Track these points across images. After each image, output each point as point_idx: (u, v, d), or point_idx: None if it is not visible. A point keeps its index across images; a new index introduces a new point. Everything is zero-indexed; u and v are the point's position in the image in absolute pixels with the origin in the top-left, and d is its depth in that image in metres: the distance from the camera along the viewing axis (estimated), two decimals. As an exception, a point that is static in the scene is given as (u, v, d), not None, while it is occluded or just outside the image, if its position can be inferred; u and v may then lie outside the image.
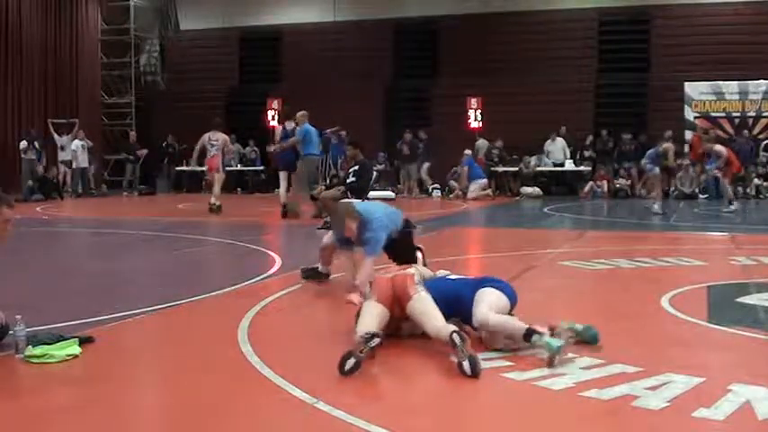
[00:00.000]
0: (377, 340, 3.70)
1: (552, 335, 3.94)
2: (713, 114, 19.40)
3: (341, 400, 3.22)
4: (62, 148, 19.40)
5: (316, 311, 5.50)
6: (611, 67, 20.35)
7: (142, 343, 4.62)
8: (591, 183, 18.82)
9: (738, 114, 19.22)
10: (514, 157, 20.04)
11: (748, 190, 17.84)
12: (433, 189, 19.89)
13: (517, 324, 4.04)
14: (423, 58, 22.04)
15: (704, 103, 19.45)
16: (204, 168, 21.40)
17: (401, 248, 5.62)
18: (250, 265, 5.62)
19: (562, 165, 19.63)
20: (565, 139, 19.81)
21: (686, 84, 19.39)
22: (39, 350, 3.85)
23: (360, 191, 10.59)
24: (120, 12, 23.29)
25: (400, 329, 4.29)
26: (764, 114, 19.05)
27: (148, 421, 3.27)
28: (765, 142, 18.90)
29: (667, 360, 3.88)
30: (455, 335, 3.72)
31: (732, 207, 13.38)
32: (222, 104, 22.93)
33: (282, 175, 13.49)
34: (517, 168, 19.77)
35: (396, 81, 22.08)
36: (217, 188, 14.48)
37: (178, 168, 22.23)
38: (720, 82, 19.28)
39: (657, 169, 13.41)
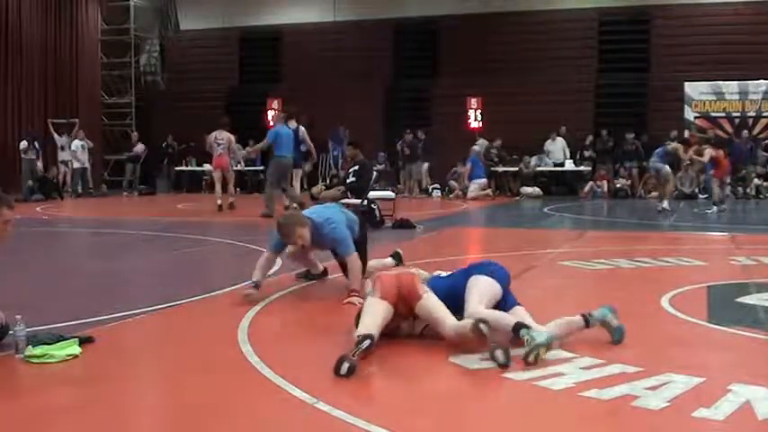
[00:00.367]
0: (368, 342, 3.66)
1: (587, 324, 4.09)
2: (713, 114, 19.41)
3: (341, 400, 3.22)
4: (62, 148, 19.40)
5: (316, 311, 5.50)
6: (611, 67, 20.36)
7: (142, 343, 4.62)
8: (591, 183, 18.83)
9: (738, 114, 19.23)
10: (514, 157, 20.05)
11: (748, 190, 17.84)
12: (433, 189, 19.91)
13: (507, 319, 4.07)
14: (423, 58, 22.05)
15: (704, 103, 19.46)
16: (204, 168, 21.60)
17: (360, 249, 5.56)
18: (250, 265, 5.60)
19: (562, 165, 19.64)
20: (565, 138, 19.82)
21: (686, 84, 19.40)
22: (39, 350, 3.85)
23: (360, 191, 10.65)
24: (120, 12, 23.30)
25: (400, 329, 4.29)
26: (764, 114, 19.06)
27: (148, 421, 3.27)
28: (765, 142, 18.90)
29: (667, 360, 3.88)
30: (482, 324, 3.77)
31: (714, 209, 13.37)
32: (222, 104, 22.92)
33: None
34: (517, 168, 19.77)
35: (396, 81, 22.08)
36: (230, 187, 14.86)
37: (178, 168, 22.25)
38: (720, 82, 19.29)
39: (668, 167, 13.43)
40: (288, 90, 21.79)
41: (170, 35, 24.61)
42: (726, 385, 3.39)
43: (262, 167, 20.99)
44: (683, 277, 6.49)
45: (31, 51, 20.05)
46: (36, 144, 18.42)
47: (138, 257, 8.68)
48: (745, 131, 18.64)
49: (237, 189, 21.15)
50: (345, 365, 3.55)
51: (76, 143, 19.07)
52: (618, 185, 18.93)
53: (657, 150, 13.74)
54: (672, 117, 19.05)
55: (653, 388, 3.38)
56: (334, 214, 5.55)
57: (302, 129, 13.25)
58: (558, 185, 19.91)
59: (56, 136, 19.55)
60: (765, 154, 18.61)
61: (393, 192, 13.08)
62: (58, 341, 3.98)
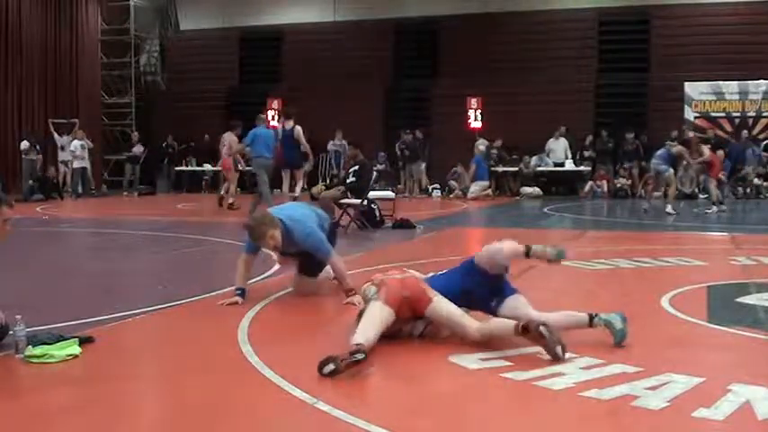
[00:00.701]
0: (359, 356, 3.59)
1: (591, 323, 4.22)
2: (713, 114, 19.40)
3: (341, 400, 3.22)
4: (62, 149, 19.40)
5: (316, 311, 5.50)
6: (611, 67, 20.35)
7: (142, 343, 4.62)
8: (590, 183, 18.83)
9: (738, 114, 19.22)
10: (514, 157, 20.05)
11: (748, 190, 17.84)
12: (433, 189, 19.91)
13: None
14: (423, 58, 22.03)
15: (704, 103, 19.45)
16: (204, 168, 21.63)
17: (312, 261, 5.49)
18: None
19: (562, 165, 19.64)
20: (566, 138, 19.82)
21: (686, 84, 19.39)
22: (39, 350, 3.85)
23: (360, 191, 10.65)
24: (120, 12, 23.29)
25: (401, 331, 4.28)
26: (764, 114, 19.05)
27: (148, 421, 3.27)
28: (765, 142, 18.89)
29: (667, 360, 3.88)
30: (542, 327, 3.81)
31: (714, 209, 13.37)
32: (222, 104, 22.94)
33: (285, 174, 13.65)
34: (517, 168, 19.77)
35: (396, 81, 22.08)
36: (231, 187, 15.41)
37: (178, 168, 22.26)
38: (720, 82, 19.28)
39: (672, 170, 13.42)
40: (288, 90, 21.79)
41: (170, 35, 24.60)
42: (726, 385, 3.39)
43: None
44: (683, 277, 6.49)
45: (31, 51, 20.05)
46: (37, 146, 18.44)
47: (137, 257, 8.68)
48: (745, 132, 18.64)
49: (238, 189, 21.22)
50: (330, 367, 3.53)
51: (76, 143, 19.08)
52: (618, 185, 18.92)
53: (660, 152, 13.70)
54: (672, 117, 19.04)
55: (653, 388, 3.38)
56: (305, 216, 5.38)
57: (298, 129, 13.28)
58: (558, 185, 19.90)
59: (56, 136, 19.56)
60: (766, 154, 18.60)
61: (393, 192, 13.09)
62: (58, 341, 3.98)
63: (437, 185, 20.04)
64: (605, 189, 18.70)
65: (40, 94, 20.50)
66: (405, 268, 4.64)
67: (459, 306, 4.23)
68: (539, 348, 3.92)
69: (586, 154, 19.69)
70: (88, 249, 9.88)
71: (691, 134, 17.69)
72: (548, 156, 19.88)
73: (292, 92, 21.37)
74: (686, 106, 19.47)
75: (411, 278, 4.33)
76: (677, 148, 13.58)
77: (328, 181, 18.00)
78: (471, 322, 4.15)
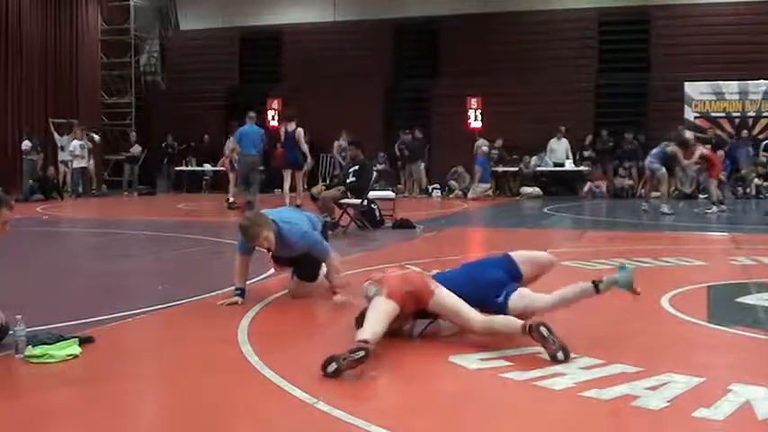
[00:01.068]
0: (361, 354, 3.58)
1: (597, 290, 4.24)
2: (713, 114, 19.39)
3: (341, 401, 3.22)
4: (62, 149, 19.41)
5: (316, 311, 5.50)
6: (611, 67, 20.34)
7: (142, 343, 4.62)
8: (589, 183, 18.83)
9: (738, 114, 19.21)
10: (514, 157, 20.04)
11: (748, 190, 17.85)
12: (433, 189, 19.91)
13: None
14: (423, 58, 22.03)
15: (704, 103, 19.44)
16: (204, 168, 21.63)
17: (307, 263, 5.47)
18: (250, 265, 5.61)
19: (562, 165, 19.63)
20: (566, 138, 19.81)
21: (686, 84, 19.37)
22: (39, 350, 3.85)
23: (360, 191, 10.64)
24: (120, 12, 23.29)
25: (401, 330, 4.28)
26: (764, 114, 19.04)
27: (148, 421, 3.27)
28: (765, 142, 18.89)
29: (667, 360, 3.88)
30: (542, 328, 3.81)
31: (714, 209, 13.36)
32: (222, 104, 22.93)
33: (286, 174, 13.76)
34: (517, 168, 19.77)
35: (396, 81, 22.07)
36: (230, 187, 15.71)
37: (178, 168, 22.25)
38: (720, 82, 19.27)
39: (664, 169, 13.41)
40: (288, 90, 21.79)
41: (170, 35, 24.60)
42: (726, 385, 3.39)
43: (262, 168, 21.01)
44: (683, 277, 6.49)
45: (31, 51, 20.05)
46: (38, 146, 18.45)
47: (137, 257, 8.68)
48: (745, 132, 18.63)
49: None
50: (333, 366, 3.53)
51: (75, 143, 19.08)
52: (619, 186, 18.90)
53: (655, 151, 13.68)
54: (672, 117, 18.99)
55: (653, 388, 3.38)
56: (298, 219, 5.38)
57: (299, 132, 13.41)
58: (558, 185, 19.90)
59: (56, 136, 19.57)
60: (766, 154, 18.59)
61: (393, 192, 13.09)
62: (58, 341, 3.98)
63: (437, 185, 20.03)
64: (603, 189, 18.69)
65: (40, 94, 20.50)
66: (404, 266, 4.65)
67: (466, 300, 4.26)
68: (539, 348, 3.92)
69: (586, 154, 19.68)
70: (88, 249, 9.87)
71: (689, 134, 17.72)
72: (548, 156, 19.86)
73: (292, 92, 21.36)
74: (686, 106, 19.46)
75: (412, 272, 4.36)
76: (671, 148, 13.57)
77: (328, 181, 18.00)
78: (476, 315, 4.16)
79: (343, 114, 20.24)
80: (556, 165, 19.75)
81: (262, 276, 6.45)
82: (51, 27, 20.91)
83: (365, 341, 3.69)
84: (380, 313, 3.99)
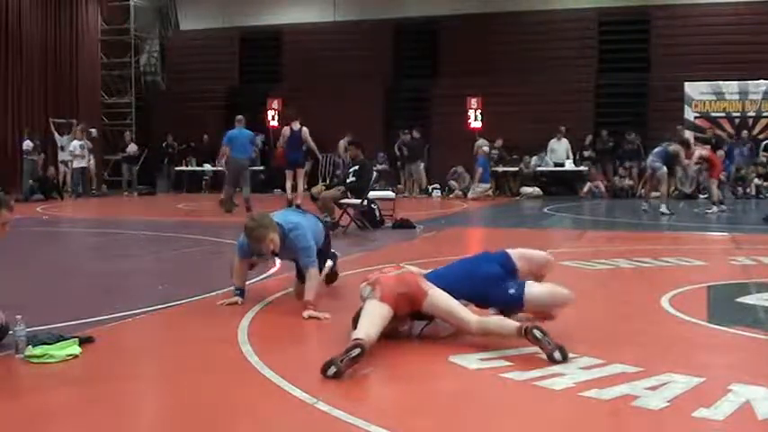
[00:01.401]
0: (357, 351, 3.59)
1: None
2: (713, 114, 19.38)
3: (341, 401, 3.22)
4: (62, 149, 19.42)
5: (316, 311, 5.50)
6: (611, 67, 20.35)
7: (142, 343, 4.62)
8: (589, 183, 18.84)
9: (738, 114, 19.21)
10: (514, 157, 20.04)
11: (748, 190, 17.85)
12: (433, 189, 19.91)
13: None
14: (423, 58, 22.03)
15: (704, 103, 19.43)
16: (204, 168, 21.62)
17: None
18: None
19: (562, 165, 19.64)
20: (566, 138, 19.81)
21: (686, 84, 19.37)
22: (39, 350, 3.85)
23: (360, 191, 10.64)
24: (120, 12, 23.29)
25: (398, 330, 4.28)
26: (764, 114, 19.04)
27: (148, 421, 3.27)
28: (765, 142, 18.89)
29: (667, 360, 3.88)
30: (536, 330, 3.82)
31: (714, 209, 13.37)
32: (222, 104, 22.92)
33: (288, 174, 13.85)
34: (517, 168, 19.77)
35: (396, 81, 22.08)
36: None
37: (178, 168, 22.26)
38: (720, 82, 19.26)
39: (665, 168, 13.41)
40: (288, 90, 21.79)
41: (170, 35, 24.60)
42: (726, 385, 3.39)
43: (262, 168, 21.02)
44: (683, 277, 6.48)
45: (31, 51, 20.05)
46: (39, 148, 18.46)
47: (137, 257, 8.68)
48: (745, 132, 18.63)
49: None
50: (333, 369, 3.53)
51: (75, 143, 19.09)
52: (620, 186, 18.89)
53: (657, 150, 13.68)
54: (672, 117, 19.02)
55: (653, 388, 3.38)
56: (302, 220, 5.30)
57: (305, 130, 13.55)
58: (558, 185, 19.90)
59: (56, 136, 19.57)
60: (766, 154, 18.59)
61: (393, 192, 13.10)
62: (58, 341, 3.98)
63: (437, 185, 20.03)
64: (602, 189, 18.69)
65: (40, 94, 20.50)
66: (401, 265, 4.64)
67: (459, 297, 4.26)
68: (538, 348, 3.92)
69: (586, 154, 19.68)
70: (88, 249, 9.87)
71: (688, 134, 17.73)
72: (548, 157, 19.86)
73: (292, 92, 21.37)
74: (686, 106, 19.46)
75: (407, 273, 4.34)
76: (674, 147, 13.57)
77: (328, 181, 18.00)
78: (471, 316, 4.16)
79: (343, 114, 20.24)
80: (556, 165, 19.75)
81: (262, 276, 6.45)
82: (51, 27, 20.91)
83: (359, 339, 3.70)
84: (373, 317, 3.99)
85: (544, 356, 3.82)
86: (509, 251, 4.56)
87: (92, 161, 19.43)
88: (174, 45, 24.66)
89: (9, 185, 17.46)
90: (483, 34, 20.92)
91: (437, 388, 3.53)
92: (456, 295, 4.25)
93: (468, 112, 19.96)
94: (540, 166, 19.74)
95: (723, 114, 19.33)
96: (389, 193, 12.49)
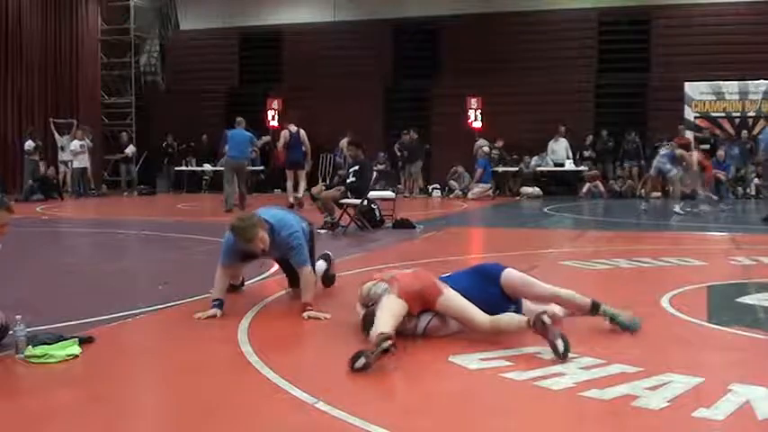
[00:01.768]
0: (388, 344, 3.60)
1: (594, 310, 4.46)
2: (713, 114, 19.39)
3: (341, 400, 3.22)
4: (62, 149, 19.42)
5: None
6: (611, 67, 20.36)
7: (142, 343, 4.62)
8: (589, 183, 18.84)
9: (738, 114, 19.21)
10: (514, 157, 20.05)
11: (748, 190, 17.85)
12: (433, 189, 19.91)
13: (581, 297, 4.49)
14: (423, 58, 22.02)
15: (704, 103, 19.43)
16: (204, 168, 21.62)
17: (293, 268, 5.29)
18: (250, 264, 5.60)
19: (562, 165, 19.64)
20: (565, 138, 19.82)
21: (686, 84, 19.37)
22: (39, 350, 3.85)
23: (360, 191, 10.64)
24: (120, 12, 23.29)
25: (404, 326, 4.27)
26: (764, 114, 19.04)
27: (148, 421, 3.27)
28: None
29: (667, 360, 3.88)
30: (544, 316, 3.91)
31: (677, 207, 13.30)
32: (222, 104, 22.93)
33: (289, 174, 13.94)
34: (517, 168, 19.77)
35: (396, 81, 22.08)
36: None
37: (178, 168, 22.26)
38: (720, 82, 19.27)
39: (675, 170, 13.42)
40: (288, 90, 21.80)
41: (170, 35, 24.59)
42: (726, 385, 3.39)
43: (262, 168, 21.02)
44: (682, 277, 6.48)
45: (31, 51, 20.04)
46: (40, 148, 18.47)
47: (138, 257, 8.68)
48: (745, 132, 18.63)
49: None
50: (362, 361, 3.55)
51: (75, 143, 19.09)
52: (621, 186, 18.88)
53: (666, 152, 13.68)
54: (672, 117, 19.03)
55: (653, 388, 3.38)
56: (291, 219, 5.21)
57: (303, 132, 13.72)
58: (558, 185, 19.90)
59: (57, 135, 19.57)
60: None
61: (393, 192, 13.09)
62: (58, 341, 3.98)
63: (437, 185, 20.03)
64: (601, 189, 18.69)
65: (40, 94, 20.50)
66: (408, 266, 4.66)
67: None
68: (539, 348, 3.93)
69: (586, 154, 19.69)
70: (88, 249, 9.87)
71: (688, 134, 17.71)
72: (549, 157, 19.86)
73: (292, 92, 21.37)
74: (686, 106, 19.46)
75: (422, 272, 4.38)
76: (679, 152, 13.62)
77: (328, 181, 18.02)
78: (483, 315, 4.20)
79: (343, 114, 20.24)
80: (556, 165, 19.75)
81: (261, 276, 6.46)
82: (51, 27, 20.91)
83: (387, 333, 3.71)
84: (393, 311, 4.02)
85: (544, 356, 3.82)
86: (506, 275, 4.49)
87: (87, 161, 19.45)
88: (174, 45, 24.65)
89: (9, 185, 17.49)
90: (483, 34, 20.93)
91: (437, 388, 3.53)
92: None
93: (468, 111, 19.97)
94: (540, 166, 19.74)
95: (723, 114, 19.34)
96: (389, 193, 12.49)
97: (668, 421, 3.07)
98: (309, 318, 4.81)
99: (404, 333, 4.24)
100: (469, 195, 18.46)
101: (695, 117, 19.40)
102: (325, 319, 4.78)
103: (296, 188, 14.09)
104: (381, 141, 20.74)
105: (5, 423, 3.05)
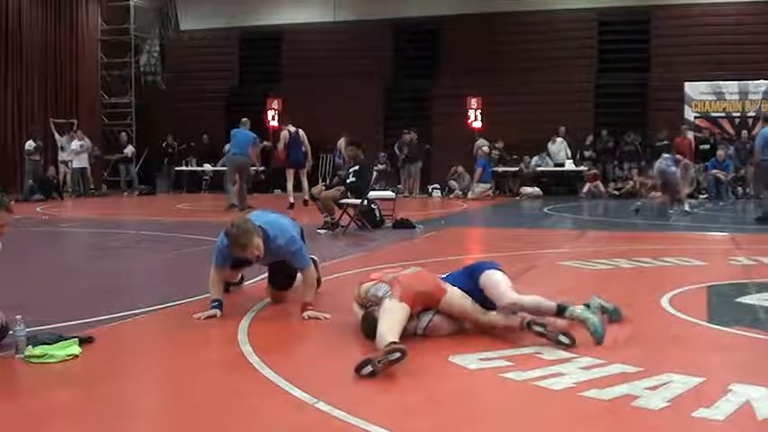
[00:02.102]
0: (397, 355, 3.56)
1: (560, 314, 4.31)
2: (713, 114, 19.40)
3: (341, 400, 3.22)
4: (62, 149, 19.42)
5: (316, 311, 5.49)
6: (611, 67, 20.37)
7: (142, 343, 4.62)
8: (589, 183, 18.85)
9: (738, 114, 19.21)
10: (514, 157, 20.05)
11: (748, 190, 17.85)
12: (433, 189, 19.91)
13: (546, 302, 4.31)
14: (423, 58, 22.04)
15: (704, 103, 19.45)
16: (204, 168, 21.63)
17: (283, 270, 5.25)
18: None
19: (562, 165, 19.64)
20: (564, 139, 19.83)
21: (686, 84, 19.39)
22: (39, 350, 3.85)
23: (360, 191, 10.64)
24: (120, 12, 23.28)
25: (406, 329, 4.27)
26: (764, 115, 19.03)
27: (148, 421, 3.27)
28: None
29: (667, 360, 3.88)
30: (536, 326, 3.99)
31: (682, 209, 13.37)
32: (222, 104, 22.94)
33: (289, 174, 13.99)
34: (517, 168, 19.77)
35: (396, 81, 22.08)
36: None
37: (178, 168, 22.26)
38: (720, 82, 19.28)
39: (678, 171, 13.48)
40: (288, 90, 21.79)
41: (170, 35, 24.59)
42: (726, 385, 3.39)
43: (262, 168, 21.01)
44: (682, 277, 6.48)
45: (31, 51, 20.04)
46: (41, 148, 18.46)
47: (137, 257, 8.67)
48: (745, 132, 18.64)
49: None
50: (369, 369, 3.52)
51: (75, 143, 19.07)
52: (620, 187, 18.87)
53: (669, 156, 13.79)
54: (672, 117, 19.04)
55: (653, 388, 3.38)
56: (286, 224, 5.14)
57: (302, 132, 13.78)
58: (558, 185, 19.90)
59: (57, 135, 19.57)
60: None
61: (394, 192, 13.10)
62: (58, 341, 3.98)
63: (437, 185, 20.03)
64: (602, 189, 18.70)
65: (40, 94, 20.50)
66: (400, 267, 4.65)
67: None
68: (539, 348, 3.92)
69: (587, 154, 19.69)
70: (88, 249, 9.87)
71: (690, 134, 17.72)
72: (549, 157, 19.87)
73: (292, 92, 21.37)
74: (686, 106, 19.47)
75: (423, 272, 4.38)
76: (677, 157, 13.75)
77: (328, 181, 18.01)
78: (482, 311, 4.28)
79: (343, 114, 20.25)
80: (556, 165, 19.75)
81: (261, 276, 6.44)
82: (51, 27, 20.90)
83: (397, 343, 3.68)
84: (398, 315, 3.99)
85: (544, 356, 3.82)
86: (482, 280, 4.43)
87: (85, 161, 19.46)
88: (174, 45, 24.65)
89: (9, 185, 17.47)
90: (483, 34, 20.94)
91: (437, 388, 3.53)
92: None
93: (468, 112, 19.97)
94: (540, 166, 19.75)
95: (723, 114, 19.35)
96: (389, 193, 12.49)
97: (668, 421, 3.07)
98: (309, 318, 4.81)
99: (404, 333, 4.23)
100: (469, 195, 18.46)
101: (695, 117, 19.41)
102: (326, 319, 4.79)
103: (297, 188, 14.17)
104: (381, 141, 20.76)
105: (5, 423, 3.05)
